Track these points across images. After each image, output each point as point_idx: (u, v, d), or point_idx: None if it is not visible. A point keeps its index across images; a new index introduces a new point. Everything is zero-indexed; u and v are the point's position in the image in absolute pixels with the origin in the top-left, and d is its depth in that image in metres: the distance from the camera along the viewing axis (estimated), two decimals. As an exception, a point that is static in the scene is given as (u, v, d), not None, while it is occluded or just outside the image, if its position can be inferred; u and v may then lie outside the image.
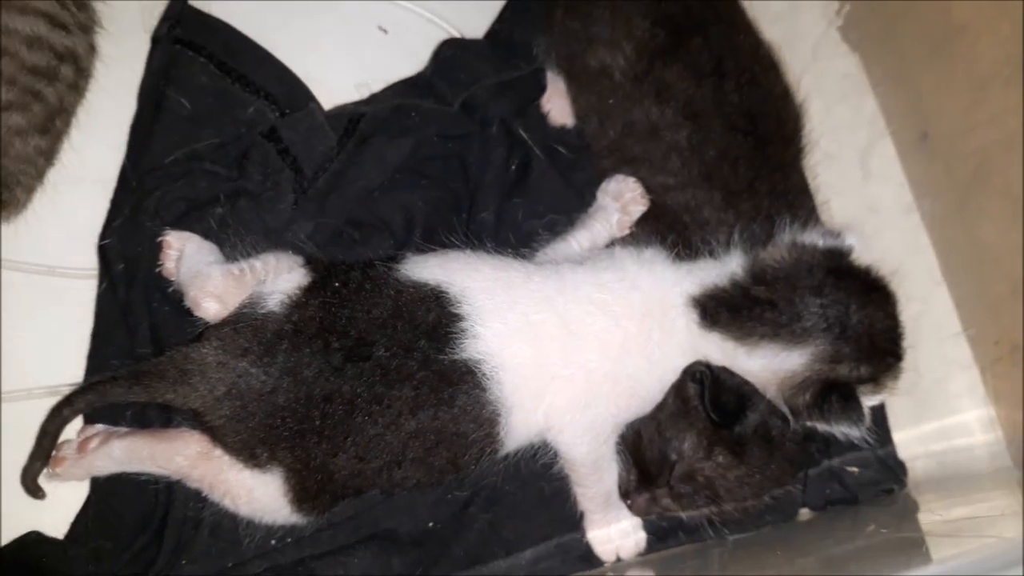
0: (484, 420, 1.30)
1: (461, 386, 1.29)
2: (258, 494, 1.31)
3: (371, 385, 1.27)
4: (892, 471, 1.59)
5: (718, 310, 1.35)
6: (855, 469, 1.57)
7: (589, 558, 1.48)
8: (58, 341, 1.51)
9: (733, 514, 1.41)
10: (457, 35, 1.74)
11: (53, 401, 1.34)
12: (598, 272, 1.38)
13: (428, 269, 1.35)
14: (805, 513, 1.58)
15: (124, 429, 1.41)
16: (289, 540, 1.43)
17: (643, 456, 1.41)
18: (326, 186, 1.55)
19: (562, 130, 1.68)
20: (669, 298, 1.37)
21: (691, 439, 1.38)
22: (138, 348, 1.46)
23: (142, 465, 1.36)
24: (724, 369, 1.36)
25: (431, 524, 1.47)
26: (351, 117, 1.60)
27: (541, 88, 1.68)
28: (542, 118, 1.68)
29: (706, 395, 1.34)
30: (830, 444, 1.52)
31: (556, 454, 1.40)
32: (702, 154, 1.49)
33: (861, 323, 1.33)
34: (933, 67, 1.69)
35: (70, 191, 1.54)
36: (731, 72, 1.53)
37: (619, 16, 1.54)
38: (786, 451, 1.40)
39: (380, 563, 1.42)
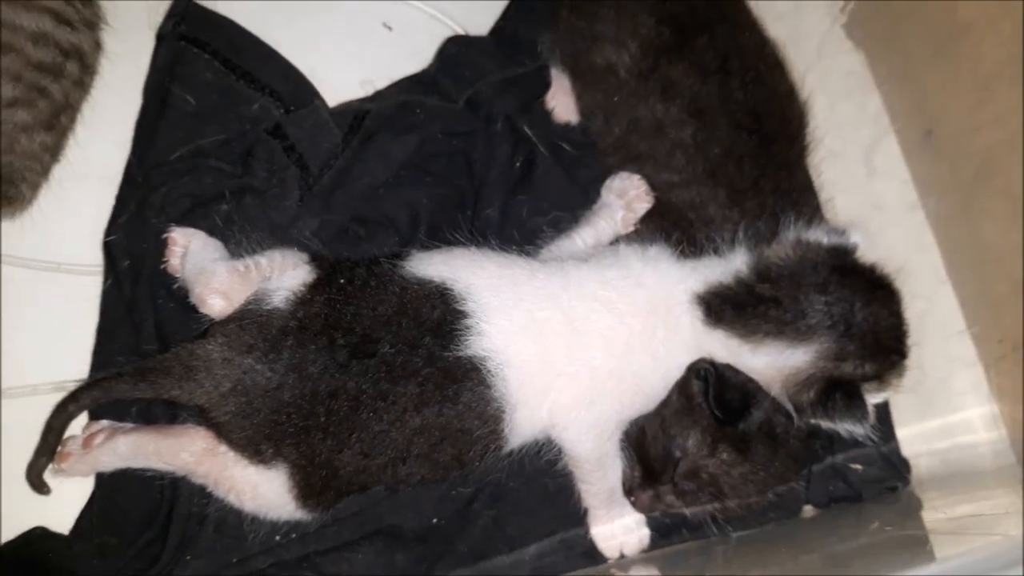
0: (489, 417, 1.30)
1: (466, 383, 1.29)
2: (263, 490, 1.31)
3: (376, 382, 1.27)
4: (896, 469, 1.59)
5: (723, 307, 1.35)
6: (859, 467, 1.57)
7: (593, 555, 1.48)
8: (63, 337, 1.51)
9: (737, 511, 1.41)
10: (462, 32, 1.74)
11: (58, 397, 1.35)
12: (603, 269, 1.38)
13: (433, 266, 1.35)
14: (809, 510, 1.58)
15: (129, 425, 1.41)
16: (293, 536, 1.43)
17: (647, 453, 1.41)
18: (331, 183, 1.55)
19: (566, 127, 1.68)
20: (674, 295, 1.37)
21: (695, 436, 1.38)
22: (143, 344, 1.46)
23: (147, 461, 1.36)
24: (728, 366, 1.36)
25: (435, 520, 1.47)
26: (356, 114, 1.59)
27: (546, 85, 1.67)
28: (546, 115, 1.68)
29: (710, 392, 1.35)
30: (834, 441, 1.52)
31: (560, 451, 1.40)
32: (707, 151, 1.49)
33: (866, 321, 1.33)
34: (938, 65, 1.69)
35: (75, 187, 1.54)
36: (736, 70, 1.53)
37: (624, 14, 1.54)
38: (790, 448, 1.40)
39: (384, 559, 1.42)
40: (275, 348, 1.27)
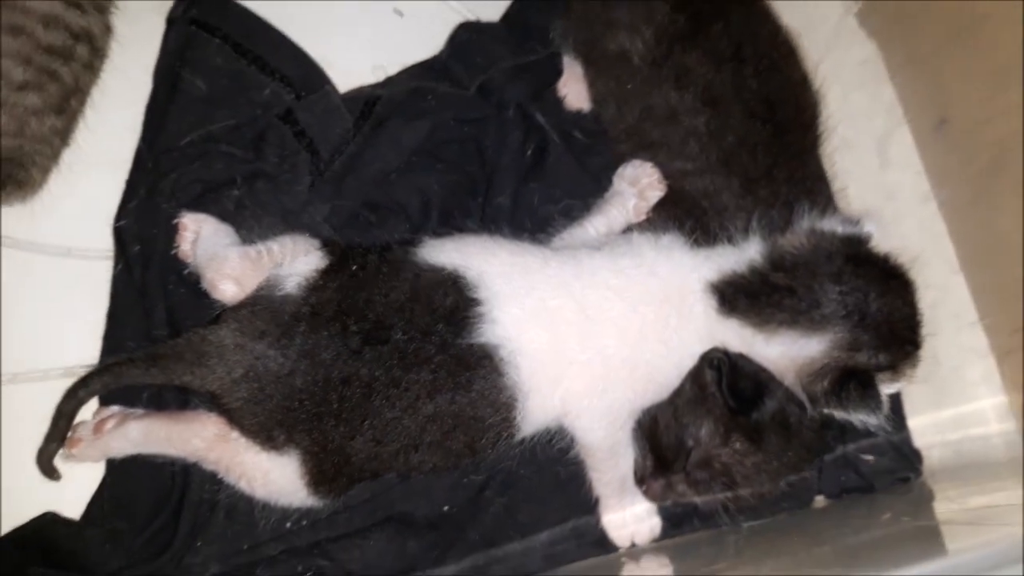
0: (501, 405, 1.30)
1: (479, 370, 1.28)
2: (275, 476, 1.31)
3: (389, 368, 1.26)
4: (908, 459, 1.58)
5: (736, 296, 1.35)
6: (871, 457, 1.57)
7: (604, 543, 1.48)
8: (73, 322, 1.50)
9: (749, 501, 1.41)
10: (473, 18, 1.73)
11: (69, 382, 1.34)
12: (616, 258, 1.38)
13: (445, 253, 1.35)
14: (820, 500, 1.58)
15: (140, 411, 1.41)
16: (305, 523, 1.43)
17: (659, 442, 1.41)
18: (342, 168, 1.54)
19: (578, 114, 1.67)
20: (687, 284, 1.36)
21: (708, 425, 1.37)
22: (154, 330, 1.45)
23: (159, 447, 1.36)
24: (741, 356, 1.36)
25: (447, 508, 1.47)
26: (367, 100, 1.59)
27: (558, 72, 1.67)
28: (558, 102, 1.67)
29: (723, 382, 1.34)
30: (845, 431, 1.51)
31: (572, 439, 1.39)
32: (720, 140, 1.48)
33: (880, 310, 1.33)
34: (952, 55, 1.68)
35: (85, 172, 1.53)
36: (750, 58, 1.52)
37: (639, 1, 1.53)
38: (803, 438, 1.39)
39: (396, 546, 1.42)
40: (288, 334, 1.27)
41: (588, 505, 1.47)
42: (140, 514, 1.41)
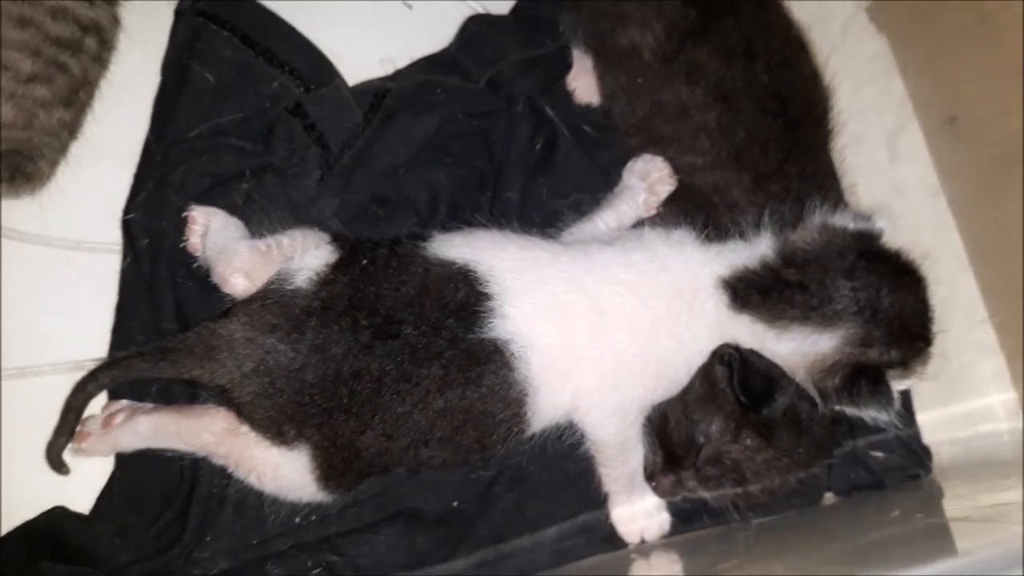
0: (512, 400, 1.30)
1: (489, 365, 1.28)
2: (284, 471, 1.31)
3: (399, 363, 1.26)
4: (917, 456, 1.58)
5: (748, 292, 1.34)
6: (880, 454, 1.57)
7: (613, 539, 1.48)
8: (81, 316, 1.50)
9: (759, 497, 1.40)
10: (482, 11, 1.72)
11: (77, 376, 1.34)
12: (627, 252, 1.37)
13: (455, 247, 1.34)
14: (830, 497, 1.57)
15: (149, 405, 1.40)
16: (314, 518, 1.43)
17: (669, 438, 1.40)
18: (351, 162, 1.54)
19: (587, 108, 1.66)
20: (699, 279, 1.36)
21: (719, 422, 1.37)
22: (162, 323, 1.45)
23: (168, 441, 1.35)
24: (753, 352, 1.36)
25: (456, 503, 1.47)
26: (376, 93, 1.58)
27: (567, 66, 1.66)
28: (567, 96, 1.66)
29: (735, 378, 1.34)
30: (854, 428, 1.51)
31: (582, 435, 1.39)
32: (732, 135, 1.47)
33: (892, 307, 1.33)
34: (963, 51, 1.68)
35: (94, 165, 1.52)
36: (761, 53, 1.51)
37: (650, -5, 1.53)
38: (814, 435, 1.39)
39: (405, 541, 1.41)
40: (298, 328, 1.26)
41: (597, 501, 1.47)
42: (149, 508, 1.41)
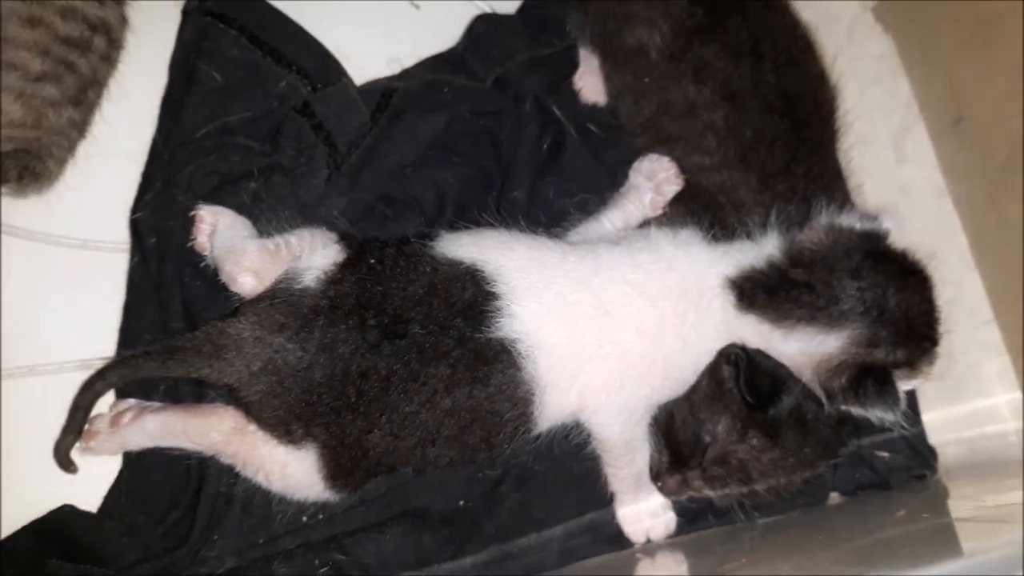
0: (519, 399, 1.30)
1: (496, 365, 1.28)
2: (292, 470, 1.31)
3: (407, 362, 1.26)
4: (923, 456, 1.58)
5: (755, 292, 1.34)
6: (886, 454, 1.57)
7: (619, 539, 1.48)
8: (90, 314, 1.50)
9: (764, 497, 1.41)
10: (489, 10, 1.72)
11: (85, 375, 1.34)
12: (634, 252, 1.38)
13: (463, 247, 1.35)
14: (835, 497, 1.58)
15: (157, 404, 1.41)
16: (321, 517, 1.43)
17: (676, 438, 1.40)
18: (359, 162, 1.54)
19: (594, 108, 1.67)
20: (705, 279, 1.36)
21: (725, 421, 1.37)
22: (170, 322, 1.45)
23: (176, 440, 1.36)
24: (759, 351, 1.36)
25: (462, 502, 1.47)
26: (383, 92, 1.58)
27: (574, 65, 1.66)
28: (574, 95, 1.67)
29: (741, 377, 1.34)
30: (860, 428, 1.51)
31: (588, 434, 1.39)
32: (739, 135, 1.48)
33: (899, 307, 1.33)
34: (969, 52, 1.67)
35: (102, 164, 1.53)
36: (768, 52, 1.52)
37: (657, -6, 1.53)
38: (820, 435, 1.39)
39: (411, 540, 1.42)
40: (306, 327, 1.26)
41: (603, 501, 1.47)
42: (157, 507, 1.42)
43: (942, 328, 1.38)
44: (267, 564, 1.39)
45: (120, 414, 1.38)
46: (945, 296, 1.41)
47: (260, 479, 1.34)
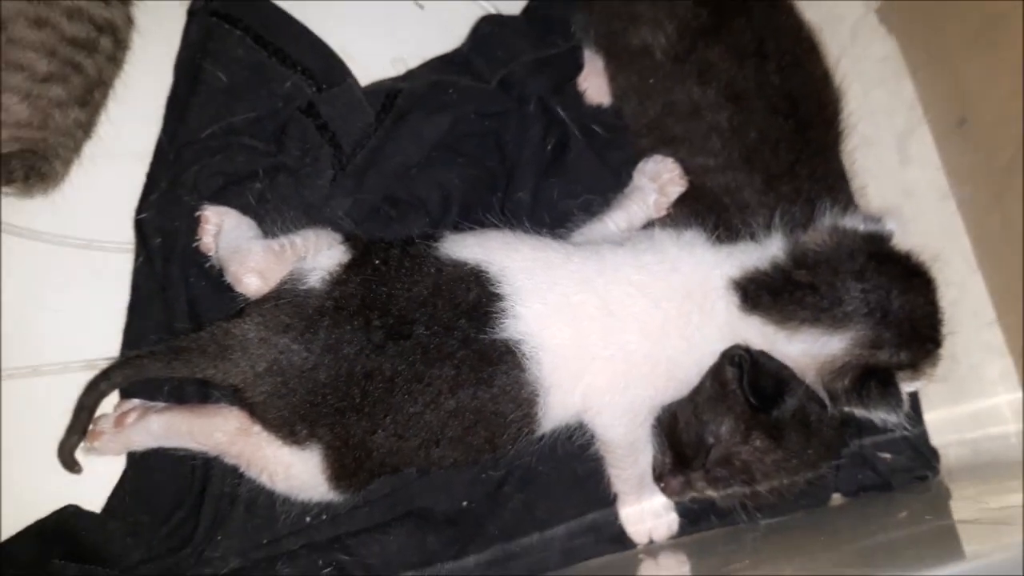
0: (523, 400, 1.30)
1: (501, 366, 1.28)
2: (296, 471, 1.31)
3: (411, 363, 1.26)
4: (925, 457, 1.58)
5: (759, 293, 1.34)
6: (888, 456, 1.57)
7: (622, 539, 1.48)
8: (94, 315, 1.50)
9: (767, 498, 1.41)
10: (493, 11, 1.72)
11: (89, 375, 1.34)
12: (638, 253, 1.38)
13: (467, 248, 1.35)
14: (837, 498, 1.58)
15: (161, 404, 1.41)
16: (324, 517, 1.43)
17: (679, 439, 1.41)
18: (364, 162, 1.54)
19: (598, 109, 1.67)
20: (710, 280, 1.36)
21: (729, 423, 1.37)
22: (175, 322, 1.46)
23: (180, 441, 1.36)
24: (763, 353, 1.36)
25: (466, 503, 1.47)
26: (388, 93, 1.58)
27: (578, 66, 1.66)
28: (578, 97, 1.67)
29: (745, 379, 1.34)
30: (862, 428, 1.51)
31: (592, 435, 1.39)
32: (743, 136, 1.47)
33: (902, 308, 1.33)
34: (973, 53, 1.67)
35: (107, 164, 1.53)
36: (773, 54, 1.52)
37: (661, -5, 1.53)
38: (823, 436, 1.39)
39: (415, 541, 1.42)
40: (311, 328, 1.26)
41: (606, 501, 1.47)
42: (161, 507, 1.42)
43: (945, 330, 1.37)
44: (271, 564, 1.39)
45: (124, 414, 1.38)
46: (948, 298, 1.41)
47: (264, 479, 1.34)
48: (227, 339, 1.28)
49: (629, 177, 1.54)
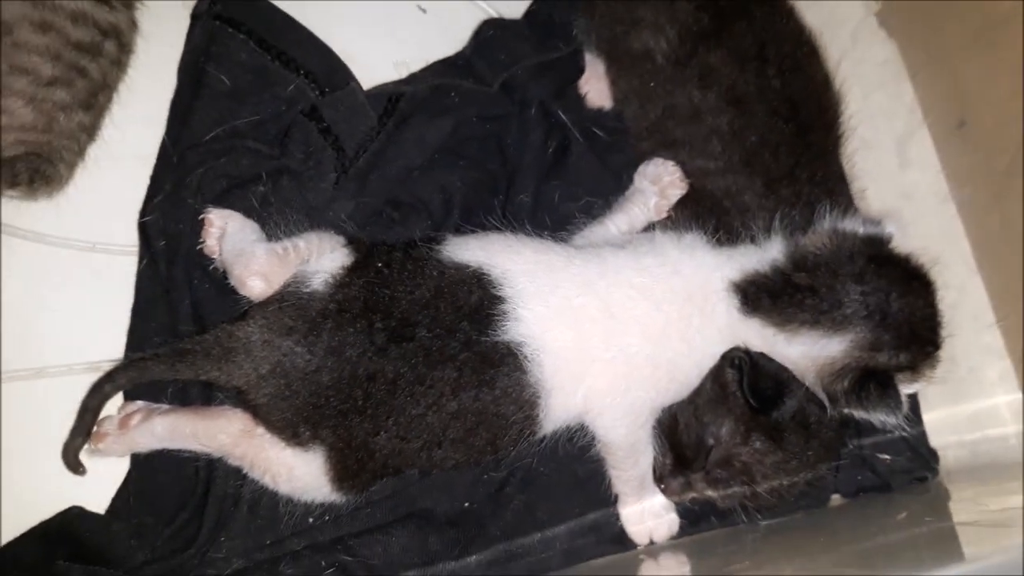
0: (524, 402, 1.31)
1: (502, 368, 1.29)
2: (299, 472, 1.32)
3: (414, 366, 1.27)
4: (924, 459, 1.59)
5: (759, 296, 1.35)
6: (887, 457, 1.58)
7: (622, 540, 1.49)
8: (98, 317, 1.51)
9: (767, 499, 1.41)
10: (495, 15, 1.73)
11: (94, 377, 1.35)
12: (639, 256, 1.38)
13: (469, 251, 1.35)
14: (836, 499, 1.58)
15: (165, 406, 1.41)
16: (327, 518, 1.44)
17: (679, 440, 1.42)
18: (367, 166, 1.55)
19: (599, 112, 1.68)
20: (710, 283, 1.37)
21: (729, 424, 1.38)
22: (179, 325, 1.46)
23: (184, 442, 1.37)
24: (763, 355, 1.37)
25: (467, 504, 1.48)
26: (391, 96, 1.59)
27: (580, 70, 1.67)
28: (580, 100, 1.68)
29: (745, 381, 1.35)
30: (862, 430, 1.52)
31: (593, 437, 1.40)
32: (744, 139, 1.48)
33: (901, 311, 1.33)
34: (972, 56, 1.68)
35: (111, 167, 1.54)
36: (773, 57, 1.52)
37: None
38: (823, 437, 1.40)
39: (417, 542, 1.43)
40: (314, 331, 1.27)
41: (607, 503, 1.48)
42: (165, 509, 1.43)
43: (944, 332, 1.38)
44: (274, 565, 1.40)
45: (129, 416, 1.39)
46: (948, 300, 1.42)
47: (267, 481, 1.34)
48: (231, 341, 1.29)
49: (630, 180, 1.54)
